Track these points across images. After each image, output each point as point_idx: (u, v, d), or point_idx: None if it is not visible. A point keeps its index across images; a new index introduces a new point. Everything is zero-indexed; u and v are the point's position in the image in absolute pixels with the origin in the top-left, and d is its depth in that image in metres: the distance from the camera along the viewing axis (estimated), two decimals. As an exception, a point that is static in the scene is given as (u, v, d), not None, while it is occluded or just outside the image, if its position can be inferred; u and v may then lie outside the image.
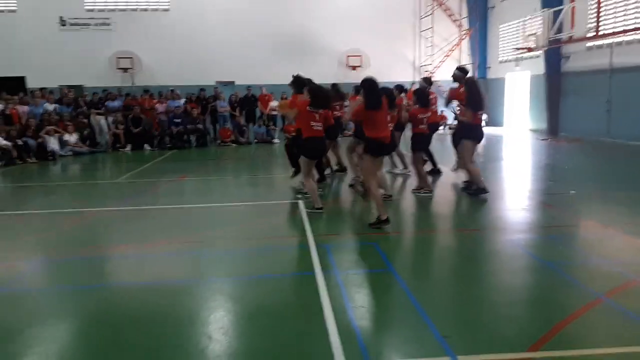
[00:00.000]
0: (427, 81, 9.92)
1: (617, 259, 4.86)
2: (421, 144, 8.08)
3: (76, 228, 6.64)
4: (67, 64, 20.46)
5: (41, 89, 16.23)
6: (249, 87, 18.01)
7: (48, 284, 4.77)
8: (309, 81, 7.66)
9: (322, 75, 19.96)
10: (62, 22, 20.95)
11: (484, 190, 7.61)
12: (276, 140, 16.99)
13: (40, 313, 3.97)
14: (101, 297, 4.28)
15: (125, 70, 20.54)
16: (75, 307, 4.11)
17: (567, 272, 4.55)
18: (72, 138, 14.68)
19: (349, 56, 21.30)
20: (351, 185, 8.51)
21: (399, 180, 9.30)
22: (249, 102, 17.67)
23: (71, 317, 3.90)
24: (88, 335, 3.61)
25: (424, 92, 8.17)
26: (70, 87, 17.38)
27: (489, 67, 22.44)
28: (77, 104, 16.04)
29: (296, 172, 8.45)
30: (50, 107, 15.34)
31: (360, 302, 3.97)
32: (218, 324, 3.66)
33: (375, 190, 6.17)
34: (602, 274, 4.53)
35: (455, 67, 9.24)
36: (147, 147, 15.67)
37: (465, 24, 22.62)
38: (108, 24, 21.21)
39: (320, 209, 6.80)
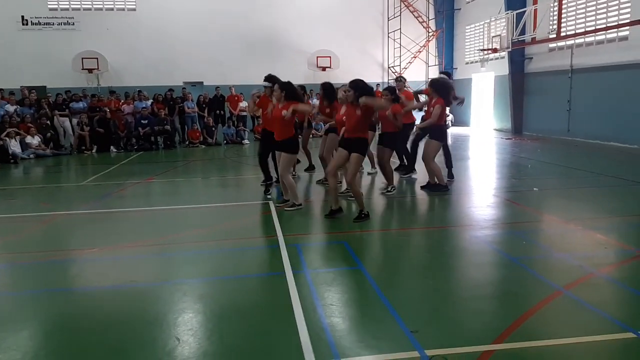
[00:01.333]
0: (402, 79, 10.12)
1: (577, 253, 5.05)
2: (394, 142, 8.21)
3: (40, 232, 6.48)
4: (29, 64, 19.91)
5: (0, 90, 15.71)
6: (217, 87, 17.88)
7: (12, 288, 4.64)
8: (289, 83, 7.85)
9: (292, 75, 19.91)
10: (24, 22, 20.36)
11: (445, 188, 8.00)
12: (246, 142, 16.90)
13: (4, 319, 3.86)
14: (66, 301, 4.20)
15: (90, 70, 20.10)
16: (40, 311, 4.01)
17: (530, 266, 4.69)
18: (34, 140, 14.28)
19: (318, 57, 21.37)
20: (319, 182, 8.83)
21: (368, 179, 9.39)
22: (217, 102, 17.54)
23: (36, 322, 3.81)
24: (52, 339, 3.54)
25: (394, 89, 8.33)
26: (32, 88, 16.88)
27: (456, 68, 22.85)
28: (39, 105, 15.61)
29: (269, 186, 8.17)
30: (11, 108, 14.89)
31: (329, 300, 4.00)
32: (187, 326, 3.63)
33: (358, 187, 6.48)
34: (562, 268, 4.70)
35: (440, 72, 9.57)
36: (113, 149, 15.37)
37: (432, 25, 23.00)
38: (72, 24, 20.73)
39: (300, 205, 7.03)
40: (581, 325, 3.52)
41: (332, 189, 6.54)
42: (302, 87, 9.58)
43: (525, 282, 4.35)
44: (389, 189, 7.97)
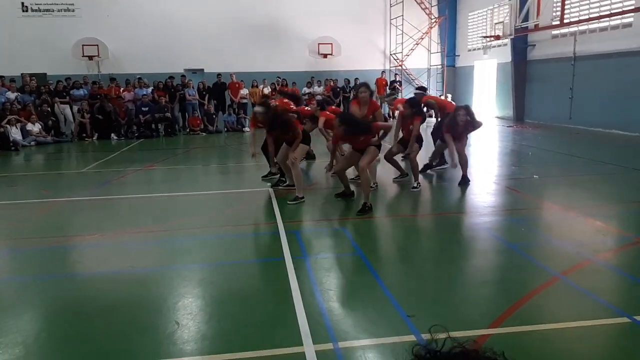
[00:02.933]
0: (422, 89, 10.28)
1: (575, 240, 5.07)
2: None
3: (41, 218, 6.52)
4: (30, 51, 19.78)
5: (1, 77, 15.68)
6: (218, 74, 17.80)
7: (14, 274, 4.69)
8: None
9: (293, 63, 20.04)
10: (24, 8, 20.25)
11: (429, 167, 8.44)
12: (246, 129, 16.86)
13: (6, 303, 3.91)
14: (68, 287, 4.25)
15: (90, 57, 20.00)
16: (42, 296, 4.05)
17: (528, 253, 4.71)
18: (35, 128, 14.28)
19: (320, 44, 21.22)
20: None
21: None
22: (218, 90, 17.47)
23: (37, 307, 3.86)
24: (54, 324, 3.58)
25: (418, 102, 8.29)
26: (32, 75, 16.83)
27: (458, 55, 22.72)
28: (40, 92, 15.59)
29: (276, 175, 8.07)
30: (12, 95, 14.88)
31: (328, 285, 4.03)
32: (186, 310, 3.67)
33: (369, 177, 6.62)
34: (560, 255, 4.72)
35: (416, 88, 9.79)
36: (114, 136, 15.37)
37: (435, 12, 22.80)
38: (72, 10, 20.60)
39: (303, 198, 6.79)
40: (576, 310, 3.55)
41: (342, 177, 6.77)
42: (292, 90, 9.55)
43: (522, 269, 4.38)
44: (414, 185, 7.57)
